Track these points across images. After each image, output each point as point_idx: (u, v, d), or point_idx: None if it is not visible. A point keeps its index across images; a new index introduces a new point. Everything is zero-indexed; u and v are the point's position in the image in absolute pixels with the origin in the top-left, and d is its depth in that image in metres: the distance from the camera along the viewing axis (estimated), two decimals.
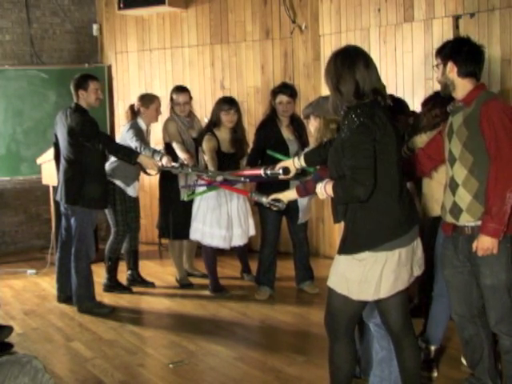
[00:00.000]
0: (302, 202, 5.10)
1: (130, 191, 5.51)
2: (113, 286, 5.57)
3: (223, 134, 5.26)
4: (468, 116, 3.08)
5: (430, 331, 3.83)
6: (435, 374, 3.73)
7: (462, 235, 3.16)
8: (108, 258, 5.53)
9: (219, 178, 4.48)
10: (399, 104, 4.42)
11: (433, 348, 3.81)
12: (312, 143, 4.04)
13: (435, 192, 3.72)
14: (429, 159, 3.50)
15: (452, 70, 3.12)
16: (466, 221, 3.12)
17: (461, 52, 3.12)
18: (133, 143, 5.25)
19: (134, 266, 5.75)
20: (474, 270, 3.18)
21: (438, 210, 3.61)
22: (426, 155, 3.51)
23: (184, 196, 5.28)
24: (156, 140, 6.12)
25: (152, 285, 5.73)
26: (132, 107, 5.58)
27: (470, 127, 3.06)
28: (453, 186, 3.16)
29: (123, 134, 5.46)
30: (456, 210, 3.15)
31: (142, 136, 5.37)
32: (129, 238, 5.62)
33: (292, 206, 4.92)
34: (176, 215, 5.50)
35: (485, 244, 3.01)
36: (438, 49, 3.25)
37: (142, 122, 5.49)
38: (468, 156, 3.08)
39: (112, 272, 5.57)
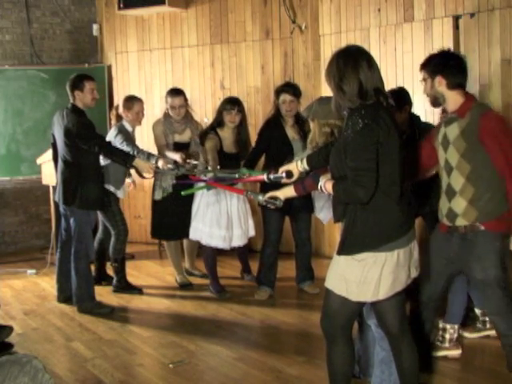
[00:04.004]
0: (319, 202, 5.07)
1: (120, 194, 5.50)
2: (123, 286, 5.54)
3: (226, 133, 5.26)
4: (465, 128, 3.18)
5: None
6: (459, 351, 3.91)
7: (457, 232, 3.32)
8: (114, 259, 5.49)
9: (209, 175, 4.42)
10: (403, 94, 4.46)
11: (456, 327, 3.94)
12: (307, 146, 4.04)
13: None
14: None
15: (441, 83, 3.22)
16: (462, 223, 3.29)
17: (448, 65, 3.23)
18: (125, 147, 5.18)
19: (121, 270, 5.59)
20: (462, 266, 3.35)
21: None
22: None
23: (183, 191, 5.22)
24: (147, 143, 6.08)
25: (140, 291, 5.55)
26: (117, 108, 5.57)
27: (469, 139, 3.17)
28: (450, 193, 3.29)
29: (111, 139, 5.31)
30: (452, 215, 3.30)
31: (131, 139, 5.36)
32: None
33: (294, 204, 4.91)
34: (166, 216, 5.48)
35: None
36: (423, 63, 3.37)
37: (127, 124, 5.46)
38: (466, 165, 3.20)
39: (120, 273, 5.54)
